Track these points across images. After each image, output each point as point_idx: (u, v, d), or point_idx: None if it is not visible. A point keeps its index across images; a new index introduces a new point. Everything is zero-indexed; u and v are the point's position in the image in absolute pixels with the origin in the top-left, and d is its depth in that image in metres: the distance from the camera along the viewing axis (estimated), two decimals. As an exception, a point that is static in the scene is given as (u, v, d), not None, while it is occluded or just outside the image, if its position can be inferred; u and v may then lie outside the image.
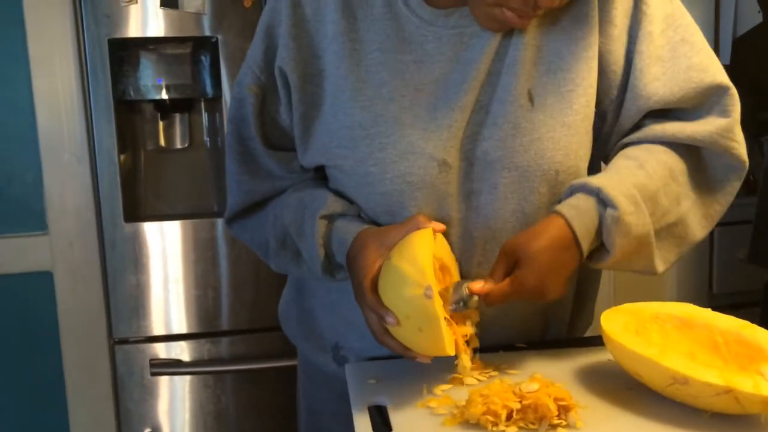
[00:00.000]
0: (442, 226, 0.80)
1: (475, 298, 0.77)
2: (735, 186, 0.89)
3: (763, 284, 1.44)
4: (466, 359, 0.76)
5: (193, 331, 1.72)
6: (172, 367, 1.69)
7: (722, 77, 0.85)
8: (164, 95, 1.69)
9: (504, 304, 0.78)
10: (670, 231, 0.84)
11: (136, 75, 1.66)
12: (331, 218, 0.87)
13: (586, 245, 0.79)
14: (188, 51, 1.69)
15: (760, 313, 1.31)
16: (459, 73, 0.83)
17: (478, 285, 0.77)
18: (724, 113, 0.85)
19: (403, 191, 0.83)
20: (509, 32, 0.83)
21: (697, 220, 0.86)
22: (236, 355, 1.74)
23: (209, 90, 1.70)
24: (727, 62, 1.85)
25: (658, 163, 0.83)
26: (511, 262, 0.78)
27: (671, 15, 0.86)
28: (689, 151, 0.86)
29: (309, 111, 0.88)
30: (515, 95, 0.82)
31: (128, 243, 1.66)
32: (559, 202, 0.82)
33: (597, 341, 0.85)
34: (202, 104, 1.79)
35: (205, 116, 1.80)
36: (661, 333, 0.79)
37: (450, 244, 0.86)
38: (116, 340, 1.69)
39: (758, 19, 1.82)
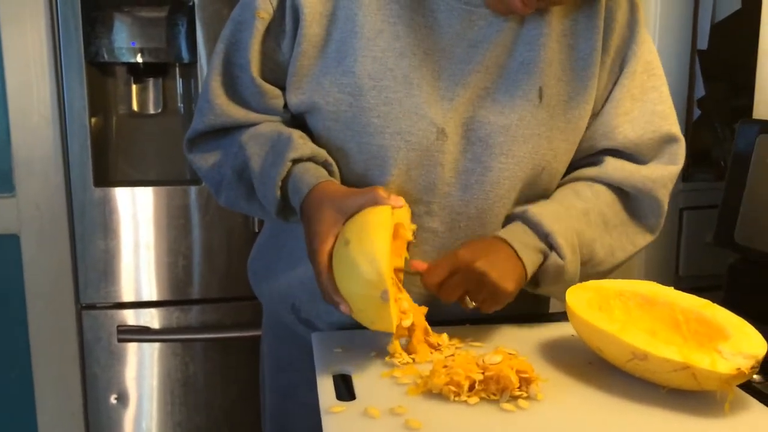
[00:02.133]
0: (400, 202, 0.80)
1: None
2: (648, 239, 0.96)
3: (727, 267, 1.47)
4: (396, 346, 0.79)
5: (163, 298, 1.71)
6: (140, 333, 1.68)
7: (677, 129, 0.95)
8: (138, 59, 1.65)
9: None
10: (599, 275, 0.92)
11: (110, 37, 1.63)
12: (297, 161, 0.86)
13: (530, 268, 0.84)
14: (164, 14, 1.65)
15: (723, 296, 1.34)
16: (464, 50, 0.87)
17: (415, 262, 0.82)
18: (673, 161, 0.94)
19: (399, 148, 0.86)
20: (519, 31, 0.88)
21: (625, 261, 0.95)
22: (206, 324, 1.73)
23: (185, 55, 1.67)
24: (705, 47, 1.86)
25: (599, 215, 0.91)
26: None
27: (651, 63, 0.93)
28: (628, 197, 0.94)
29: (311, 50, 0.88)
30: (525, 90, 0.87)
31: (98, 208, 1.63)
32: (507, 222, 0.89)
33: (562, 317, 0.87)
34: (177, 69, 1.76)
35: (179, 82, 1.77)
36: (623, 310, 0.81)
37: (432, 214, 0.89)
38: (83, 305, 1.67)
39: (737, 5, 1.83)
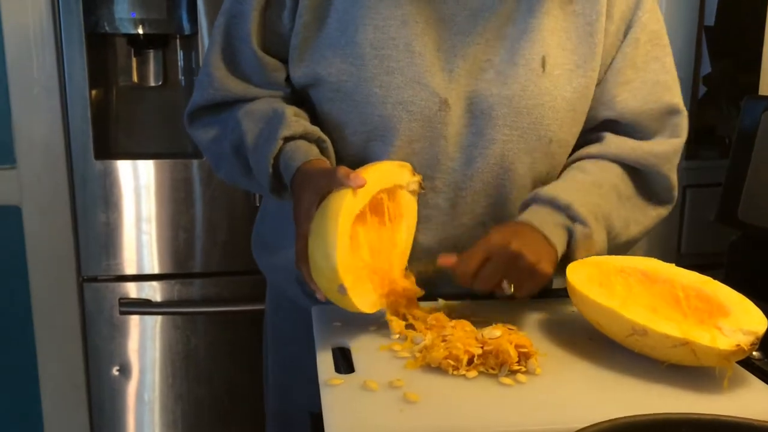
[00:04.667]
0: (363, 181, 0.76)
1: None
2: (661, 212, 0.95)
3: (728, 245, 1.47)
4: (397, 324, 0.78)
5: (165, 271, 1.71)
6: (141, 306, 1.69)
7: (679, 100, 0.93)
8: (139, 30, 1.63)
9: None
10: (617, 249, 0.91)
11: (110, 7, 1.61)
12: (289, 139, 0.86)
13: (560, 248, 0.82)
14: (164, -15, 1.63)
15: (724, 273, 1.34)
16: (464, 19, 0.85)
17: (442, 258, 0.80)
18: (676, 134, 0.93)
19: (401, 119, 0.85)
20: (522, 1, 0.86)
21: (641, 234, 0.93)
22: (207, 297, 1.74)
23: (186, 26, 1.65)
24: (712, 24, 1.84)
25: (611, 187, 0.89)
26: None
27: (656, 32, 0.91)
28: (634, 172, 0.92)
29: (313, 21, 0.87)
30: (528, 59, 0.85)
31: (98, 180, 1.63)
32: (524, 208, 0.87)
33: (563, 292, 0.86)
34: (178, 41, 1.74)
35: (180, 54, 1.75)
36: (624, 286, 0.80)
37: (436, 191, 0.87)
38: (85, 278, 1.67)
39: (745, -19, 1.80)
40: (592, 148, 0.93)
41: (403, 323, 0.78)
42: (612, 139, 0.92)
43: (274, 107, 0.89)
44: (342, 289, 0.72)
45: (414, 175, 0.84)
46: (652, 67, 0.91)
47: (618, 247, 0.91)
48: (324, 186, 0.77)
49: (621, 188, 0.90)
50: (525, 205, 0.88)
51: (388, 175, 0.82)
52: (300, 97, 0.93)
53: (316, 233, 0.74)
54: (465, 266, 0.78)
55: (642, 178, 0.93)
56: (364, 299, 0.75)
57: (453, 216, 0.89)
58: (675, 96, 0.93)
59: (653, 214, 0.94)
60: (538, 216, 0.84)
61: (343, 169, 0.77)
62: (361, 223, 0.78)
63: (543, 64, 0.86)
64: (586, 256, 0.84)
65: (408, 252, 0.85)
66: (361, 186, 0.76)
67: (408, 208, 0.84)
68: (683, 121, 0.93)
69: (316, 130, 0.87)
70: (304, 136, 0.87)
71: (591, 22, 0.87)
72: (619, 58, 0.91)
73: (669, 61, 0.93)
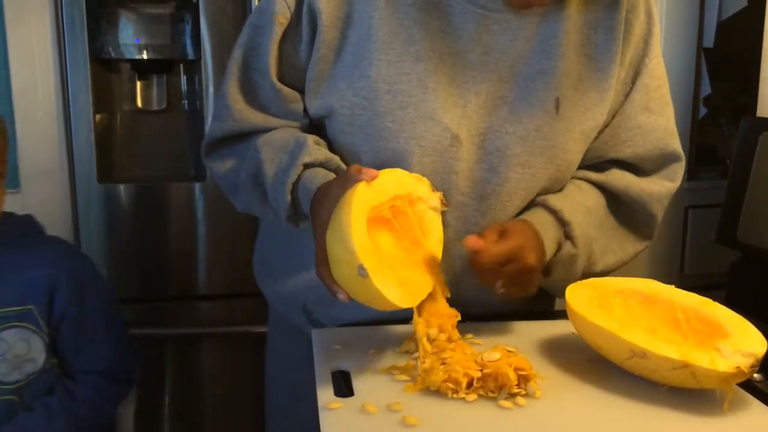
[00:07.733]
0: (374, 173, 0.76)
1: None
2: (638, 247, 0.98)
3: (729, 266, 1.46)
4: (422, 328, 0.77)
5: (168, 294, 1.71)
6: (145, 329, 1.68)
7: (680, 147, 0.96)
8: (143, 55, 1.66)
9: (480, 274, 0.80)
10: (591, 273, 0.93)
11: (115, 33, 1.63)
12: (309, 166, 0.86)
13: (549, 254, 0.85)
14: (169, 11, 1.65)
15: (725, 293, 1.33)
16: (477, 56, 0.86)
17: (472, 240, 0.79)
18: (672, 178, 0.95)
19: (414, 153, 0.85)
20: (534, 39, 0.86)
21: (616, 264, 0.96)
22: (211, 319, 1.74)
23: (189, 52, 1.67)
24: (711, 45, 1.85)
25: (598, 217, 0.92)
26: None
27: (663, 77, 0.93)
28: (624, 204, 0.95)
29: (329, 54, 0.87)
30: (543, 100, 0.86)
31: (102, 204, 1.64)
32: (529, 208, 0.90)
33: (563, 315, 0.86)
34: (181, 66, 1.76)
35: (183, 79, 1.77)
36: (624, 307, 0.80)
37: (446, 225, 0.86)
38: (88, 301, 1.67)
39: (743, 3, 1.82)
40: (594, 175, 0.94)
41: (426, 329, 0.77)
42: (614, 172, 0.94)
43: (295, 136, 0.89)
44: (362, 270, 0.69)
45: (434, 191, 0.83)
46: (666, 112, 0.94)
47: (592, 274, 0.92)
48: (339, 192, 0.76)
49: (604, 219, 0.93)
50: (532, 205, 0.90)
51: (404, 182, 0.81)
52: (317, 127, 0.94)
53: (332, 223, 0.73)
54: (488, 259, 0.79)
55: (629, 212, 0.95)
56: (390, 289, 0.72)
57: (462, 249, 0.87)
58: (677, 143, 0.95)
59: (631, 249, 0.97)
60: (541, 222, 0.86)
61: (355, 166, 0.78)
62: (388, 237, 0.78)
63: (557, 106, 0.87)
64: (561, 277, 0.88)
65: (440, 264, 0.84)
66: (374, 178, 0.76)
67: (434, 225, 0.83)
68: (681, 168, 0.96)
69: (335, 159, 0.88)
70: (324, 164, 0.87)
71: (605, 68, 0.88)
72: (629, 105, 0.92)
73: (672, 106, 0.96)
